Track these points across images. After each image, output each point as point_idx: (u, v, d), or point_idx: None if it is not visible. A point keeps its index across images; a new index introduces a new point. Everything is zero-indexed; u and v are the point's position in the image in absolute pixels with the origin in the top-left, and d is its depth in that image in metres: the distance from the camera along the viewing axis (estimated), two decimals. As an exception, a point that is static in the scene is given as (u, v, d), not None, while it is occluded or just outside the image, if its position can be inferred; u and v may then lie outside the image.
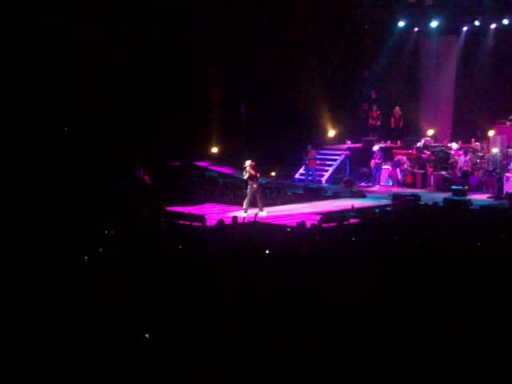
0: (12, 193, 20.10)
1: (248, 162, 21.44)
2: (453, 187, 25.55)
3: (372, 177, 28.51)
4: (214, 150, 29.35)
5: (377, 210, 20.85)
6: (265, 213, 21.16)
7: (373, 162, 28.36)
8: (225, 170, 29.41)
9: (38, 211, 17.43)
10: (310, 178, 28.66)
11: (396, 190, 27.00)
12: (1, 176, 21.50)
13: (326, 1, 29.21)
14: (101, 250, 12.40)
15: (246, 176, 21.38)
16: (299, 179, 29.69)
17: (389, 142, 30.88)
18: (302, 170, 29.82)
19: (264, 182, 25.44)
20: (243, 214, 20.66)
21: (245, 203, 21.27)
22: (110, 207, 18.93)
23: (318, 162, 29.12)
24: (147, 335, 7.94)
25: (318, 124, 31.24)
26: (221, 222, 16.03)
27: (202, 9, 27.06)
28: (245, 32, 28.04)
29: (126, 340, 7.88)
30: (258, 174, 21.53)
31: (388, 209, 21.38)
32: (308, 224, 15.73)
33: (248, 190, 21.41)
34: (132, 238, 13.67)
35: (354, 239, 14.20)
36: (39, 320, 8.38)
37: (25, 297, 9.15)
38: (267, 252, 11.28)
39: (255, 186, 21.36)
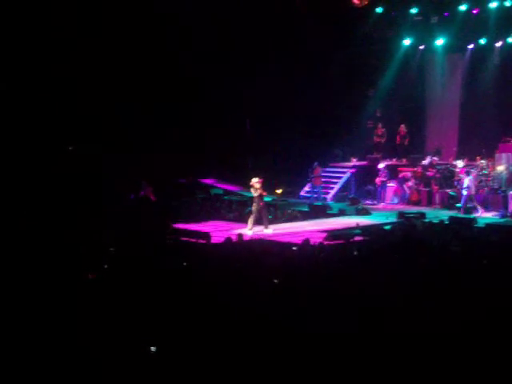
0: (13, 204, 20.15)
1: (256, 179, 21.37)
2: (458, 205, 25.50)
3: (377, 194, 28.48)
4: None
5: (387, 227, 20.75)
6: (270, 230, 21.11)
7: (378, 179, 28.34)
8: (230, 187, 29.42)
9: (40, 225, 17.47)
10: (315, 196, 28.63)
11: (401, 207, 26.96)
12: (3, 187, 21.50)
13: (331, 18, 29.20)
14: (106, 267, 12.39)
15: (255, 194, 21.26)
16: (304, 196, 29.66)
17: (394, 159, 30.88)
18: (307, 188, 29.79)
19: (270, 199, 25.43)
20: (248, 231, 20.61)
21: (250, 221, 21.20)
22: (115, 223, 18.91)
23: (323, 180, 29.08)
24: (153, 348, 7.95)
25: (323, 142, 31.26)
26: (228, 239, 16.02)
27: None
28: (248, 51, 28.07)
29: (132, 354, 7.88)
30: (265, 192, 21.48)
31: (392, 227, 21.26)
32: (313, 242, 15.70)
33: (254, 208, 21.35)
34: (137, 254, 13.63)
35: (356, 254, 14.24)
36: (40, 335, 8.37)
37: (23, 314, 9.12)
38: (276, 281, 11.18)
39: (261, 203, 21.32)
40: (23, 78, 23.99)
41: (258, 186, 21.18)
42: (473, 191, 25.43)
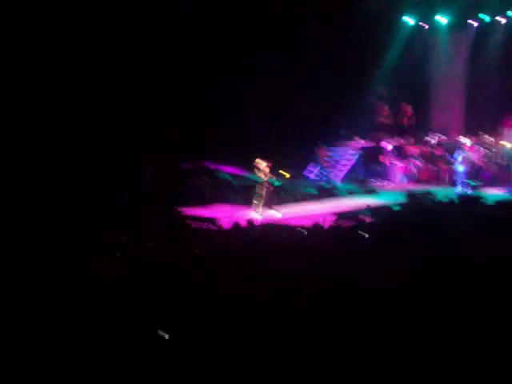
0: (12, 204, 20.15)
1: (264, 163, 21.32)
2: (465, 182, 25.47)
3: (385, 174, 28.42)
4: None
5: (396, 207, 20.71)
6: (280, 214, 21.08)
7: (385, 159, 28.26)
8: (236, 170, 29.32)
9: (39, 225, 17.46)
10: (322, 178, 28.56)
11: (410, 187, 26.90)
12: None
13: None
14: (118, 254, 12.39)
15: (265, 178, 21.23)
16: (309, 177, 29.55)
17: (401, 139, 30.80)
18: (311, 168, 29.71)
19: (278, 182, 25.38)
20: (258, 216, 20.59)
21: (258, 205, 21.18)
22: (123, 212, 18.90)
23: (328, 160, 28.92)
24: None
25: (328, 123, 31.14)
26: (236, 224, 16.01)
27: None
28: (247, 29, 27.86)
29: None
30: (273, 176, 21.47)
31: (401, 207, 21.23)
32: (324, 224, 15.71)
33: (262, 192, 21.30)
34: (149, 242, 13.64)
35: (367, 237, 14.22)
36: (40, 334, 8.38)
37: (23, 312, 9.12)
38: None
39: (270, 187, 21.30)
40: (23, 78, 23.92)
41: (266, 170, 21.16)
42: (467, 167, 25.50)
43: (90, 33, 24.76)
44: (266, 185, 21.20)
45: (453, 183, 26.43)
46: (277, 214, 20.94)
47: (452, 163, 26.51)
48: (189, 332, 8.24)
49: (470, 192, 24.55)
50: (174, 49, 26.56)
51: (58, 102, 24.23)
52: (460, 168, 25.87)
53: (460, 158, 26.00)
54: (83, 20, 24.78)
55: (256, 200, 21.33)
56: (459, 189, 25.48)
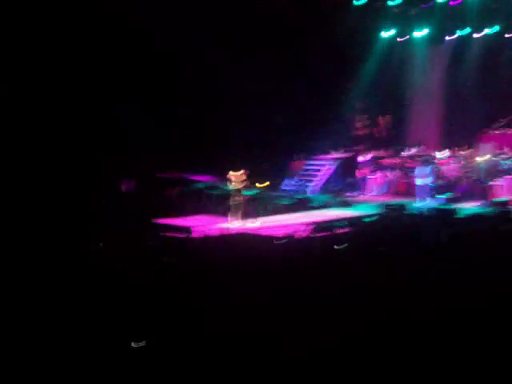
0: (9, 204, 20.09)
1: (240, 172, 21.24)
2: (439, 196, 25.60)
3: (359, 186, 28.50)
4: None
5: (366, 219, 20.79)
6: (258, 223, 20.96)
7: (360, 171, 28.36)
8: (211, 179, 29.25)
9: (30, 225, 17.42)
10: (297, 189, 28.61)
11: (383, 199, 26.99)
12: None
13: (311, 11, 29.05)
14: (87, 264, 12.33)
15: (241, 186, 21.12)
16: (285, 189, 29.58)
17: (375, 151, 30.90)
18: (289, 180, 29.76)
19: (253, 192, 25.38)
20: (233, 225, 20.53)
21: (234, 215, 21.10)
22: (97, 219, 18.84)
23: (303, 171, 28.94)
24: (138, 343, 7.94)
25: (304, 135, 31.21)
26: (206, 234, 15.99)
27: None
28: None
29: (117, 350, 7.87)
30: (247, 185, 21.36)
31: (375, 218, 21.32)
32: (298, 234, 15.70)
33: (236, 202, 21.20)
34: (118, 250, 13.59)
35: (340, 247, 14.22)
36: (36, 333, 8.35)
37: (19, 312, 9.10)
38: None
39: (243, 197, 21.21)
40: (23, 78, 23.84)
41: (241, 178, 21.05)
42: (432, 181, 25.96)
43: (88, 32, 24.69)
44: (239, 195, 21.10)
45: (421, 196, 26.64)
46: (252, 224, 20.85)
47: (421, 176, 26.69)
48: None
49: (437, 204, 24.85)
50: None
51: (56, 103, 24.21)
52: (427, 181, 26.20)
53: (427, 171, 26.31)
54: (82, 20, 24.70)
55: (231, 210, 21.25)
56: (426, 201, 25.75)
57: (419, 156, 28.85)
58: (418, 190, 26.45)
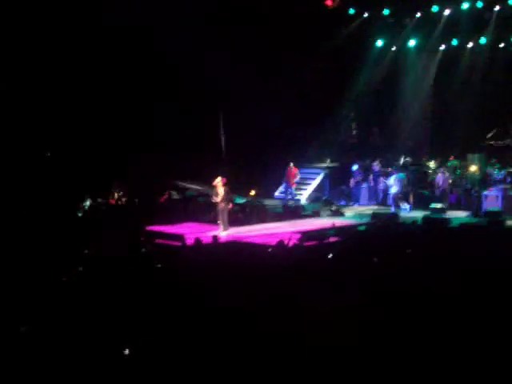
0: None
1: (219, 179, 21.18)
2: (431, 205, 25.68)
3: (351, 195, 28.57)
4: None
5: (361, 228, 20.77)
6: (225, 233, 20.77)
7: (352, 180, 28.44)
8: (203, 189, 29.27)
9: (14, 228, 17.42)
10: (289, 197, 28.64)
11: (375, 208, 27.08)
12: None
13: (303, 20, 29.07)
14: (80, 269, 12.31)
15: (219, 194, 20.96)
16: (278, 197, 29.64)
17: (368, 160, 30.99)
18: (281, 188, 29.81)
19: (243, 200, 25.42)
20: (223, 233, 20.51)
21: (221, 223, 21.04)
22: (90, 225, 18.84)
23: (296, 180, 28.94)
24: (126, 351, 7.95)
25: (296, 143, 31.28)
26: (198, 240, 15.97)
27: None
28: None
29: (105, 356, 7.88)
30: (226, 193, 21.14)
31: (366, 227, 21.33)
32: (288, 243, 15.67)
33: (221, 210, 21.07)
34: (111, 257, 13.58)
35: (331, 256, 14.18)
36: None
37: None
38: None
39: (224, 204, 21.06)
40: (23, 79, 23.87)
41: (220, 184, 20.92)
42: (399, 189, 26.35)
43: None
44: (224, 203, 20.91)
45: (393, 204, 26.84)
46: (224, 232, 20.59)
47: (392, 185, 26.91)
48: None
49: (405, 211, 25.49)
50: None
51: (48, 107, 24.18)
52: (393, 190, 26.60)
53: (392, 180, 26.69)
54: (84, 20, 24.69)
55: (219, 218, 21.16)
56: (392, 209, 26.22)
57: (412, 165, 28.95)
58: (390, 198, 26.98)
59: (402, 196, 26.70)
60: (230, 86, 27.97)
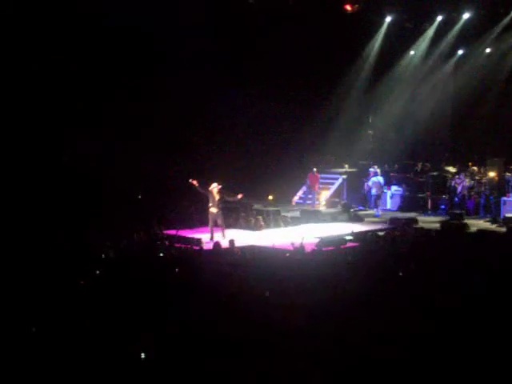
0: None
1: (214, 185, 21.13)
2: (450, 211, 25.58)
3: (369, 200, 28.48)
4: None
5: (380, 234, 20.63)
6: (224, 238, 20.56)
7: (366, 185, 28.36)
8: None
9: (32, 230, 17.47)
10: (308, 202, 28.60)
11: (393, 213, 27.00)
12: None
13: (322, 24, 28.94)
14: (97, 272, 12.32)
15: (215, 200, 20.79)
16: (297, 202, 29.56)
17: (385, 165, 30.91)
18: (300, 193, 29.76)
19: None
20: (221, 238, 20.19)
21: (211, 226, 20.86)
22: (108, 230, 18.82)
23: (316, 185, 28.87)
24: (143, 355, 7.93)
25: (315, 148, 31.29)
26: (218, 244, 15.97)
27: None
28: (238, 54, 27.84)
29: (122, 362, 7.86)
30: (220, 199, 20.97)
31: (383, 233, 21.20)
32: (307, 248, 15.64)
33: (214, 215, 20.89)
34: (129, 260, 13.59)
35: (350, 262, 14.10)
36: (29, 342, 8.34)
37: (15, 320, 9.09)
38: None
39: (216, 210, 20.88)
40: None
41: (215, 191, 20.74)
42: (378, 192, 27.00)
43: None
44: (217, 209, 20.71)
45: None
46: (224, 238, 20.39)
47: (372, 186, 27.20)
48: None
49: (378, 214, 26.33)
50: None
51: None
52: (372, 191, 27.17)
53: (371, 183, 27.25)
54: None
55: (210, 224, 20.95)
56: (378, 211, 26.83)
57: (430, 171, 28.86)
58: (371, 200, 27.50)
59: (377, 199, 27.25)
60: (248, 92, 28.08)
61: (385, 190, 28.58)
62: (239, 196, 21.22)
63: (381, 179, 27.23)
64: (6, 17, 22.59)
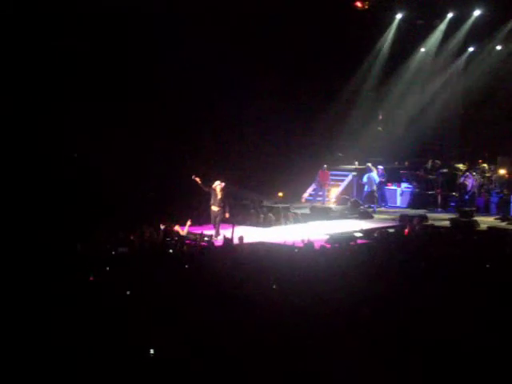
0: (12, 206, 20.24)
1: (218, 183, 20.98)
2: (460, 208, 25.56)
3: (379, 197, 28.46)
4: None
5: (391, 230, 20.63)
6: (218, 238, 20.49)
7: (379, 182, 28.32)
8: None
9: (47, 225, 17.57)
10: (318, 199, 28.61)
11: (403, 210, 27.00)
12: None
13: (332, 20, 28.90)
14: (108, 268, 12.40)
15: (217, 198, 20.71)
16: (308, 199, 29.54)
17: (396, 162, 30.88)
18: (310, 190, 29.75)
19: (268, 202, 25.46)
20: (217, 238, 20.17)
21: (215, 228, 20.81)
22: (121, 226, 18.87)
23: (326, 182, 28.87)
24: (152, 351, 7.98)
25: (325, 145, 31.28)
26: (227, 239, 16.02)
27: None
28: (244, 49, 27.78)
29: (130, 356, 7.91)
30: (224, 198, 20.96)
31: (394, 230, 21.22)
32: (316, 244, 15.69)
33: (214, 214, 20.86)
34: (140, 256, 13.67)
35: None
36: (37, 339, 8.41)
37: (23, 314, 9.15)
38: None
39: (219, 209, 21.03)
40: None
41: (219, 189, 20.68)
42: (370, 188, 27.32)
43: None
44: (219, 208, 20.67)
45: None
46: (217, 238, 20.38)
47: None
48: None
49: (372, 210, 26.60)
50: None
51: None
52: (365, 188, 27.55)
53: (365, 179, 27.57)
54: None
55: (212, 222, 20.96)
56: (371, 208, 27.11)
57: (440, 167, 28.83)
58: (364, 197, 27.66)
59: (369, 196, 27.57)
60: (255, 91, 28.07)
61: (394, 187, 28.62)
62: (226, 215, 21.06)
63: (375, 176, 27.30)
64: (5, 17, 22.67)
